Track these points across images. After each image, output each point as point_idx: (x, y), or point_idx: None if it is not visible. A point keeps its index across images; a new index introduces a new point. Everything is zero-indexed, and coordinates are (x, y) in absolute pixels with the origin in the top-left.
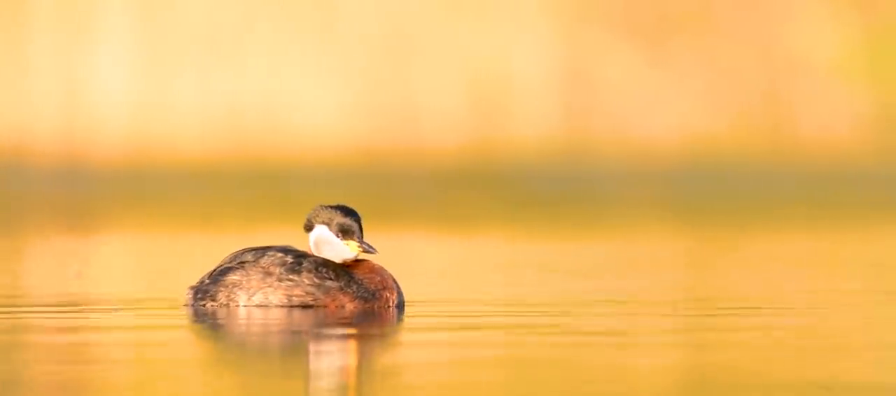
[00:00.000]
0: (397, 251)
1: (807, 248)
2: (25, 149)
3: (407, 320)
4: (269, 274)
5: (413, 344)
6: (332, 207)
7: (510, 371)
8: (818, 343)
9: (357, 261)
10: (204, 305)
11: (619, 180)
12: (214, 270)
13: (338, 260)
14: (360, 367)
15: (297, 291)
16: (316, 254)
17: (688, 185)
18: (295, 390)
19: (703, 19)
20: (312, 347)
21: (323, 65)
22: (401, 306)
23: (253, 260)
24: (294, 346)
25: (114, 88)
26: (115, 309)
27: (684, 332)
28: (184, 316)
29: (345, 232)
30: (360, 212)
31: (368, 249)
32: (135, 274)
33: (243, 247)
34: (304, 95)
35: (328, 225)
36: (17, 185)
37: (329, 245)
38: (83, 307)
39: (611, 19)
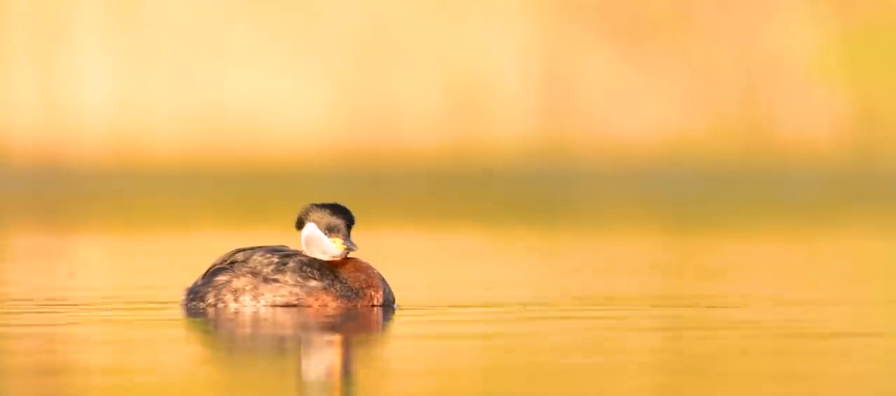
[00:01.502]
0: (376, 250)
1: (784, 248)
2: (3, 148)
3: (389, 319)
4: (255, 274)
5: (395, 344)
6: (322, 205)
7: (495, 370)
8: (792, 341)
9: (345, 260)
10: (196, 306)
11: (598, 180)
12: (207, 271)
13: (326, 257)
14: (338, 367)
15: (282, 291)
16: (306, 253)
17: (666, 185)
18: (273, 392)
19: (681, 20)
20: (290, 349)
21: (302, 66)
22: (390, 305)
23: (242, 260)
24: (271, 348)
25: (93, 88)
26: (106, 310)
27: (661, 330)
28: (173, 317)
29: (331, 230)
30: (353, 211)
31: (350, 246)
32: (124, 274)
33: (236, 248)
34: (284, 96)
35: (317, 223)
36: None
37: (317, 243)
38: (77, 306)
39: (589, 20)
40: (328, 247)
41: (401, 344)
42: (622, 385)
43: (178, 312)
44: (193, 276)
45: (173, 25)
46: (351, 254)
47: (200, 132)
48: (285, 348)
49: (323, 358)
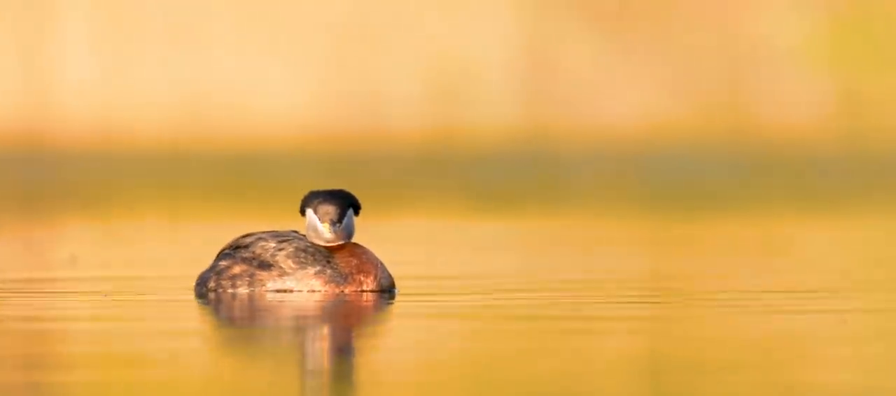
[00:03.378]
0: (359, 236)
1: (767, 234)
2: None
3: (381, 305)
4: (252, 260)
5: (383, 329)
6: (320, 192)
7: (487, 355)
8: (772, 327)
9: (343, 245)
10: (201, 291)
11: (581, 166)
12: (218, 254)
13: (322, 242)
14: (326, 354)
15: (274, 276)
16: (309, 238)
17: (649, 171)
18: (256, 380)
19: (664, 5)
20: (274, 336)
21: (286, 50)
22: (389, 290)
23: (246, 244)
24: (259, 336)
25: (75, 73)
26: (106, 295)
27: (644, 317)
28: (171, 301)
29: (322, 216)
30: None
31: (334, 229)
32: (122, 260)
33: (243, 233)
34: (267, 81)
35: (314, 209)
36: None
37: (313, 229)
38: (74, 292)
39: (572, 5)
40: (322, 233)
41: (384, 330)
42: (607, 369)
43: (185, 297)
44: (182, 261)
45: (157, 9)
46: (353, 239)
47: (184, 116)
48: (268, 336)
49: (307, 346)
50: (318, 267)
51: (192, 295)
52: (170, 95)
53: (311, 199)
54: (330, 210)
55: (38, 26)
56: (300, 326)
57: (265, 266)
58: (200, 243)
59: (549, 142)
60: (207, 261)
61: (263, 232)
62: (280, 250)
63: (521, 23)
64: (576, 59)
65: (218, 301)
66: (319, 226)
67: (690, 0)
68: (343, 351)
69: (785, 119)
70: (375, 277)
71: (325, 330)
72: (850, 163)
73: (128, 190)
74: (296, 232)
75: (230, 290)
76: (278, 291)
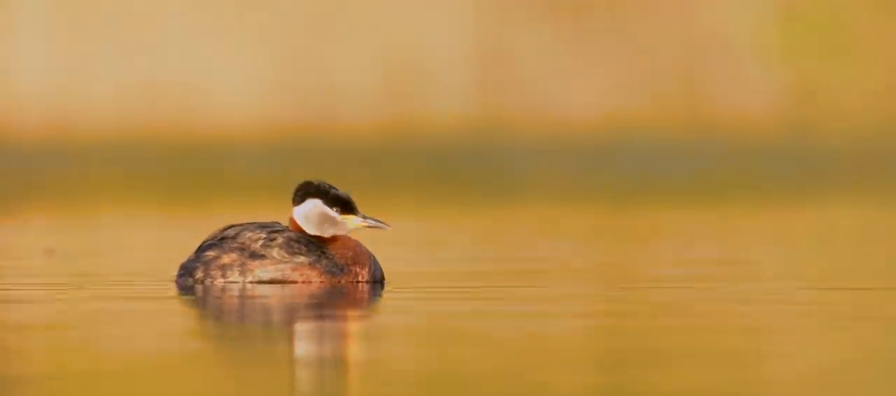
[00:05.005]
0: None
1: (721, 225)
2: None
3: (375, 296)
4: (243, 250)
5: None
6: (325, 183)
7: (484, 348)
8: (724, 317)
9: (335, 237)
10: (185, 281)
11: (535, 157)
12: (199, 246)
13: (329, 234)
14: (319, 344)
15: (268, 267)
16: (305, 230)
17: (604, 161)
18: (254, 374)
19: None
20: (274, 326)
21: (239, 41)
22: (380, 282)
23: (232, 235)
24: (250, 327)
25: (30, 66)
26: (80, 287)
27: (598, 306)
28: (160, 293)
29: (344, 207)
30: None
31: (365, 220)
32: (96, 252)
33: (227, 224)
34: (221, 72)
35: (328, 201)
36: None
37: (325, 219)
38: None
39: None
40: (344, 223)
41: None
42: (567, 358)
43: (169, 288)
44: (148, 254)
45: (110, 1)
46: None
47: (138, 108)
48: (267, 326)
49: (305, 336)
50: (312, 258)
51: (166, 287)
52: (123, 88)
53: (318, 190)
54: (349, 201)
55: None
56: (287, 318)
57: (257, 255)
58: (157, 234)
59: (504, 134)
60: (171, 253)
61: (247, 224)
62: (271, 240)
63: (476, 14)
64: (530, 50)
65: (206, 291)
66: (338, 217)
67: None
68: (336, 345)
69: (738, 109)
70: (370, 269)
71: (321, 323)
72: (803, 152)
73: (81, 181)
74: (278, 222)
75: (220, 280)
76: (272, 281)
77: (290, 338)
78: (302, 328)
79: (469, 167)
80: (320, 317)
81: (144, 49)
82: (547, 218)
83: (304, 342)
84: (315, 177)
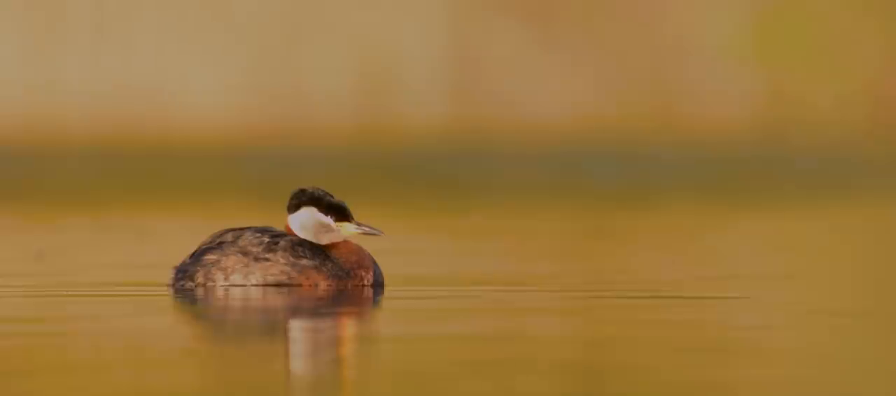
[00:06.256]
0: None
1: (695, 229)
2: None
3: (379, 298)
4: (245, 253)
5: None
6: (320, 191)
7: (490, 349)
8: (700, 323)
9: (336, 242)
10: (184, 285)
11: (508, 161)
12: (196, 250)
13: (325, 241)
14: (329, 346)
15: (273, 270)
16: (299, 235)
17: (577, 166)
18: (265, 373)
19: (591, 1)
20: (281, 327)
21: (211, 45)
22: (380, 285)
23: (231, 240)
24: (264, 326)
25: (1, 68)
26: (68, 294)
27: (573, 313)
28: (157, 296)
29: (339, 214)
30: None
31: (360, 228)
32: (91, 257)
33: (223, 228)
34: (193, 75)
35: (324, 209)
36: None
37: (321, 227)
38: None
39: (500, 2)
40: (341, 230)
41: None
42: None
43: (164, 292)
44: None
45: (82, 4)
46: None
47: (109, 112)
48: (278, 327)
49: (314, 339)
50: (316, 261)
51: (162, 291)
52: (94, 91)
53: (313, 198)
54: (346, 209)
55: None
56: (297, 320)
57: (260, 259)
58: (128, 239)
59: (476, 138)
60: (151, 257)
61: (244, 228)
62: (274, 243)
63: (448, 18)
64: (503, 54)
65: (207, 294)
66: (333, 224)
67: None
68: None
69: (711, 114)
70: (373, 272)
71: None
72: (776, 156)
73: (52, 184)
74: (272, 228)
75: (222, 283)
76: (278, 284)
77: (304, 341)
78: (317, 331)
79: (442, 171)
80: (332, 319)
81: (116, 52)
82: (520, 222)
83: (317, 344)
84: (309, 184)
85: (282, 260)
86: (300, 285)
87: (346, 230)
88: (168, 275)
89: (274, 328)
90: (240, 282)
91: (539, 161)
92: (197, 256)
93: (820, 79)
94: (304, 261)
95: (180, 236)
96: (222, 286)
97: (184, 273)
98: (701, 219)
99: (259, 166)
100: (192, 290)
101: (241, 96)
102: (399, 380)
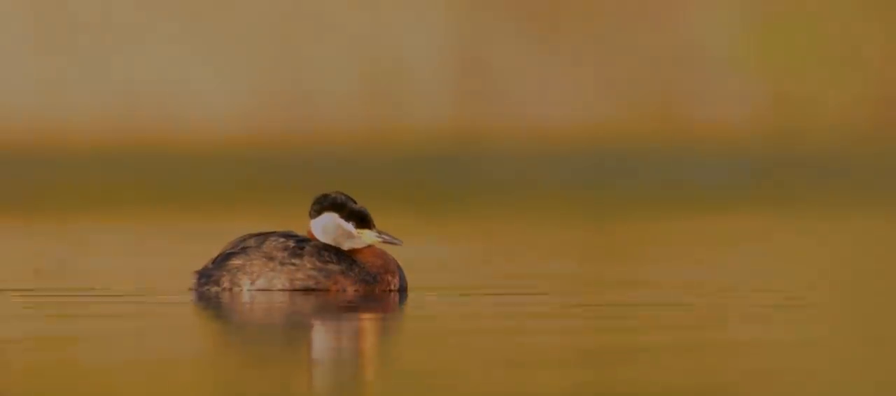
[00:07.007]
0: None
1: (699, 234)
2: None
3: (404, 303)
4: (271, 258)
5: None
6: (342, 196)
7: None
8: (705, 323)
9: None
10: (208, 289)
11: (513, 165)
12: (218, 255)
13: (347, 247)
14: (360, 351)
15: (300, 275)
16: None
17: (581, 171)
18: (295, 375)
19: (596, 5)
20: (313, 331)
21: (217, 50)
22: (403, 290)
23: (255, 245)
24: (294, 330)
25: (8, 75)
26: (88, 294)
27: (580, 318)
28: (188, 300)
29: (360, 221)
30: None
31: (381, 236)
32: (110, 262)
33: (246, 233)
34: (198, 81)
35: (345, 215)
36: None
37: (342, 233)
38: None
39: (505, 5)
40: (362, 237)
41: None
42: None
43: (185, 297)
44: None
45: (89, 10)
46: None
47: (115, 117)
48: (306, 332)
49: (338, 344)
50: (343, 266)
51: (184, 296)
52: (102, 97)
53: (335, 204)
54: (365, 216)
55: None
56: (322, 324)
57: (286, 263)
58: (143, 243)
59: (481, 142)
60: (166, 262)
61: (268, 233)
62: (300, 248)
63: (453, 21)
64: (508, 58)
65: (232, 299)
66: (353, 231)
67: (623, 0)
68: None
69: (716, 119)
70: (399, 277)
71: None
72: (781, 162)
73: (60, 190)
74: (295, 233)
75: (248, 288)
76: (304, 289)
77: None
78: (346, 335)
79: (446, 175)
80: (360, 323)
81: (122, 58)
82: (524, 227)
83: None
84: (332, 189)
85: (308, 265)
86: (327, 290)
87: (367, 237)
88: (189, 280)
89: (303, 332)
90: (265, 287)
91: (543, 166)
92: (220, 261)
93: (825, 84)
94: (332, 266)
95: (192, 241)
96: (248, 290)
97: (208, 277)
98: (705, 225)
99: (264, 170)
100: (216, 294)
101: (247, 101)
102: (424, 384)
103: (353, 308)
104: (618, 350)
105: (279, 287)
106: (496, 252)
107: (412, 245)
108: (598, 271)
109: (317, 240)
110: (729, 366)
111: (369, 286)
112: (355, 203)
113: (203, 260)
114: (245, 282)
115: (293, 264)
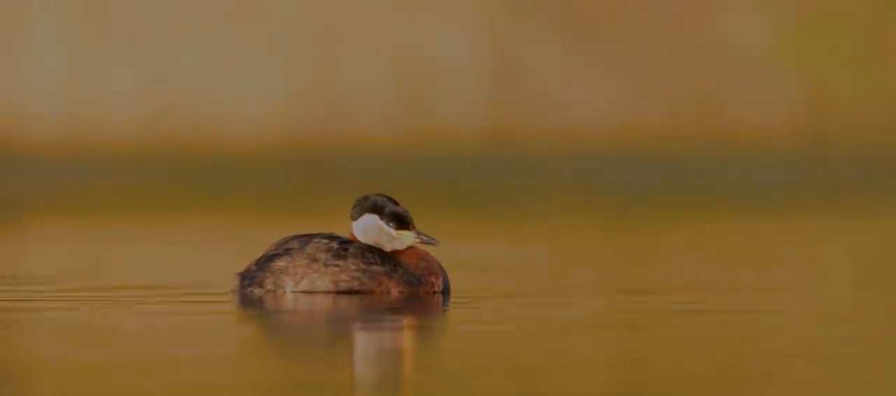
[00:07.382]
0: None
1: (736, 237)
2: None
3: (447, 305)
4: (315, 259)
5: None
6: (384, 198)
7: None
8: (742, 332)
9: (403, 249)
10: (251, 291)
11: (547, 168)
12: (261, 257)
13: (389, 248)
14: (405, 353)
15: (344, 276)
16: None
17: (616, 173)
18: (340, 377)
19: (631, 7)
20: (359, 333)
21: (251, 53)
22: (447, 292)
23: (299, 246)
24: (340, 332)
25: (42, 76)
26: (128, 296)
27: (616, 323)
28: (230, 301)
29: (400, 223)
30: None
31: (421, 238)
32: (144, 263)
33: (288, 235)
34: (233, 83)
35: (386, 217)
36: None
37: (382, 233)
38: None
39: (539, 8)
40: (400, 239)
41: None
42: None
43: (230, 298)
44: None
45: (124, 11)
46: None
47: (151, 121)
48: (353, 333)
49: (383, 346)
50: (387, 268)
51: (226, 297)
52: (137, 100)
53: (375, 206)
54: (405, 217)
55: (5, 30)
56: (368, 326)
57: (330, 265)
58: (179, 246)
59: (516, 145)
60: (205, 263)
61: (311, 235)
62: (344, 250)
63: (488, 25)
64: (543, 61)
65: (277, 300)
66: (393, 232)
67: (657, 2)
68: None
69: (752, 121)
70: (442, 278)
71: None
72: (818, 163)
73: (97, 194)
74: (338, 234)
75: (292, 289)
76: (349, 291)
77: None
78: (390, 337)
79: (481, 178)
80: (405, 325)
81: (157, 62)
82: (558, 230)
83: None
84: (374, 191)
85: (353, 267)
86: (372, 291)
87: (406, 238)
88: (231, 282)
89: (349, 333)
90: (309, 288)
91: (578, 169)
92: (264, 262)
93: (862, 86)
94: (376, 267)
95: (228, 243)
96: (292, 292)
97: (251, 279)
98: (742, 227)
99: (298, 172)
100: (260, 296)
101: (282, 104)
102: (469, 384)
103: (397, 310)
104: (655, 354)
105: (322, 288)
106: (535, 255)
107: (449, 245)
108: (632, 274)
109: (360, 242)
110: (772, 373)
111: (413, 288)
112: (397, 204)
113: (242, 262)
114: (288, 284)
115: (337, 265)
